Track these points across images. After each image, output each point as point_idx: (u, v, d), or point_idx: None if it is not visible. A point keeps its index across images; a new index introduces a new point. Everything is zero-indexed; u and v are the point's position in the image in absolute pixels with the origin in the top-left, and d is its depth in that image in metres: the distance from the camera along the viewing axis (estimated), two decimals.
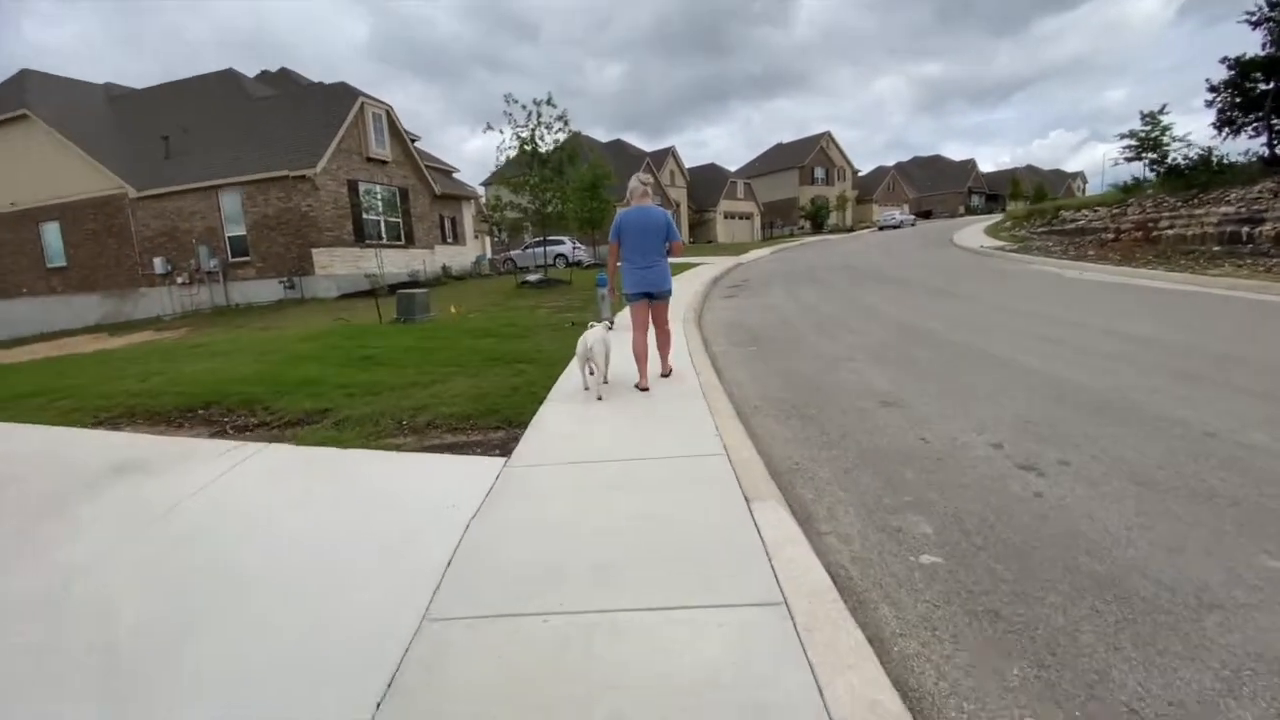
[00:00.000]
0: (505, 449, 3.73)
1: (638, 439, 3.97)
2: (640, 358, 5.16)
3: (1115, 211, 18.26)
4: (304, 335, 9.09)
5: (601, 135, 46.70)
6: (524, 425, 4.19)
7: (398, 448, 3.84)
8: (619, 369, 5.39)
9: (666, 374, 5.53)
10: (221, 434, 4.42)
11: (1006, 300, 9.63)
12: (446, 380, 5.41)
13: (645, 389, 5.13)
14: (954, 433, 3.98)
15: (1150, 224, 15.96)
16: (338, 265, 18.51)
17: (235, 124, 20.22)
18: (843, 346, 7.08)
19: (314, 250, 18.13)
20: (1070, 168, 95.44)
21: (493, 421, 4.24)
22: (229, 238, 19.13)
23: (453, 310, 9.88)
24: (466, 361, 6.13)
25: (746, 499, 2.89)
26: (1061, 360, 5.59)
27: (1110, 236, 17.10)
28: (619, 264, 5.21)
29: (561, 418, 4.47)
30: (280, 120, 19.61)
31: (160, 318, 19.85)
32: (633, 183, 5.22)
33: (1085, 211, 19.89)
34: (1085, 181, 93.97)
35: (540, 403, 4.71)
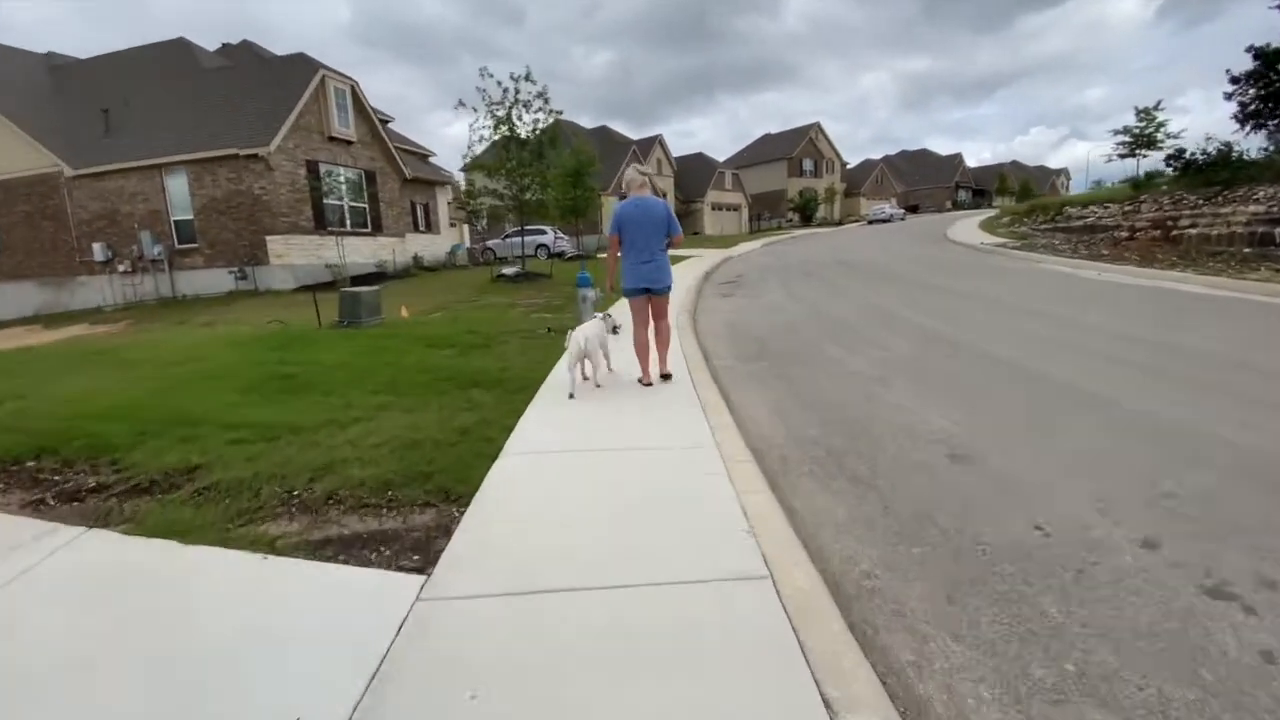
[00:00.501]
0: (429, 552, 2.47)
1: (629, 536, 2.66)
2: (642, 353, 5.16)
3: (1128, 208, 17.36)
4: (231, 339, 7.72)
5: (587, 122, 45.13)
6: (465, 500, 2.93)
7: (271, 542, 2.57)
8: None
9: (666, 376, 5.28)
10: (40, 503, 3.12)
11: (1032, 303, 8.55)
12: (375, 417, 4.13)
13: (649, 384, 5.15)
14: (1072, 512, 2.82)
15: (1169, 222, 15.04)
16: (295, 254, 16.96)
17: (183, 97, 18.48)
18: (868, 361, 5.93)
19: (268, 238, 16.56)
20: (1051, 164, 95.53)
21: (421, 493, 2.98)
22: (175, 222, 17.46)
23: (403, 313, 8.52)
24: (408, 386, 4.84)
25: (824, 700, 1.67)
26: (1153, 392, 4.46)
27: (1124, 235, 16.17)
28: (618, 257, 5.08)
29: (521, 483, 3.22)
30: (232, 94, 17.92)
31: (101, 309, 18.18)
32: (630, 173, 5.06)
33: (1094, 208, 18.98)
34: (1069, 178, 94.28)
35: (494, 457, 3.45)
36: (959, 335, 6.88)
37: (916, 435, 3.94)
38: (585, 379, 5.17)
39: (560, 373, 5.35)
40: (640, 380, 5.17)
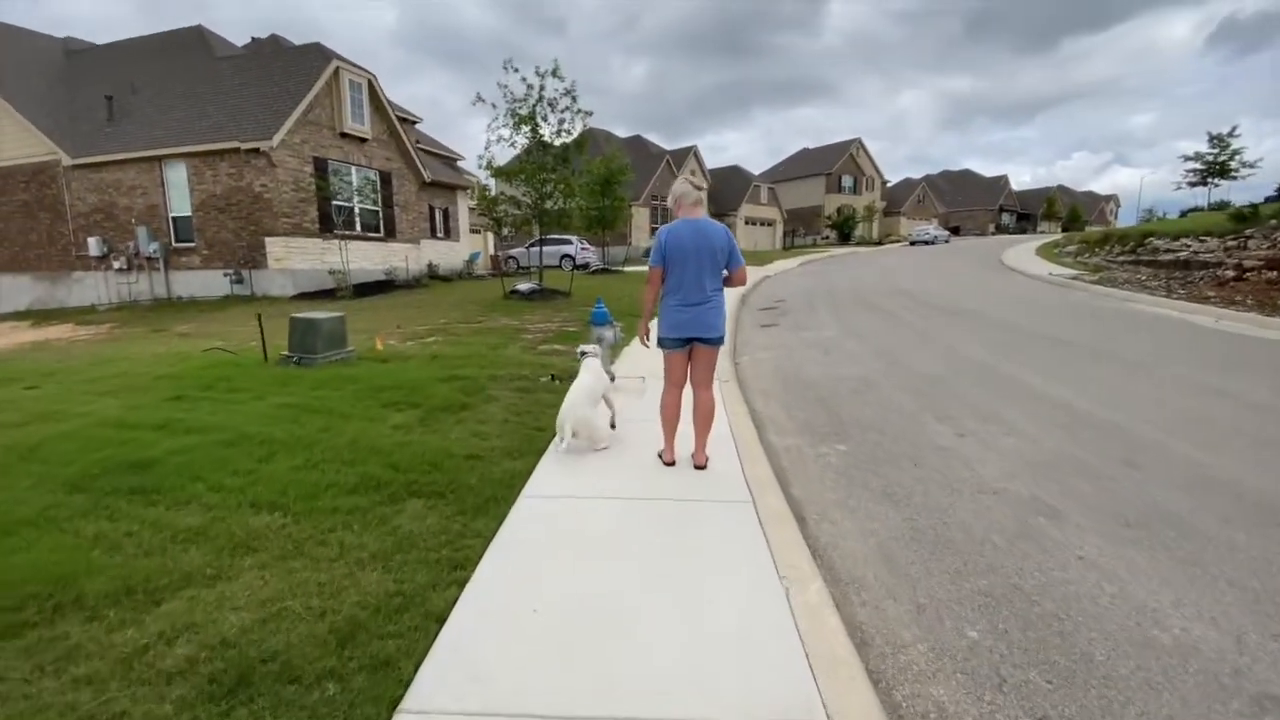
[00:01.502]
0: None
1: None
2: (670, 423, 3.81)
3: (1231, 243, 15.10)
4: (138, 375, 6.14)
5: (621, 132, 43.81)
6: None
7: None
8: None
9: (701, 466, 3.78)
10: None
11: (1171, 365, 6.57)
12: (228, 570, 2.42)
13: (671, 463, 3.82)
14: None
15: None
16: (296, 258, 15.58)
17: (190, 87, 17.35)
18: (998, 456, 4.08)
19: (268, 239, 15.21)
20: (1095, 189, 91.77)
21: None
22: (173, 219, 16.25)
23: (378, 346, 6.85)
24: (316, 492, 3.12)
25: None
26: None
27: (1230, 274, 13.93)
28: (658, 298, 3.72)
29: None
30: (240, 84, 16.70)
31: (95, 307, 17.06)
32: (681, 186, 3.71)
33: (1186, 240, 16.71)
34: (1119, 205, 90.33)
35: (407, 684, 1.74)
36: (1101, 412, 4.98)
37: (1158, 648, 2.09)
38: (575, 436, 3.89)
39: (546, 470, 3.63)
40: (662, 458, 3.86)
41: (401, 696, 1.84)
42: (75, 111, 18.08)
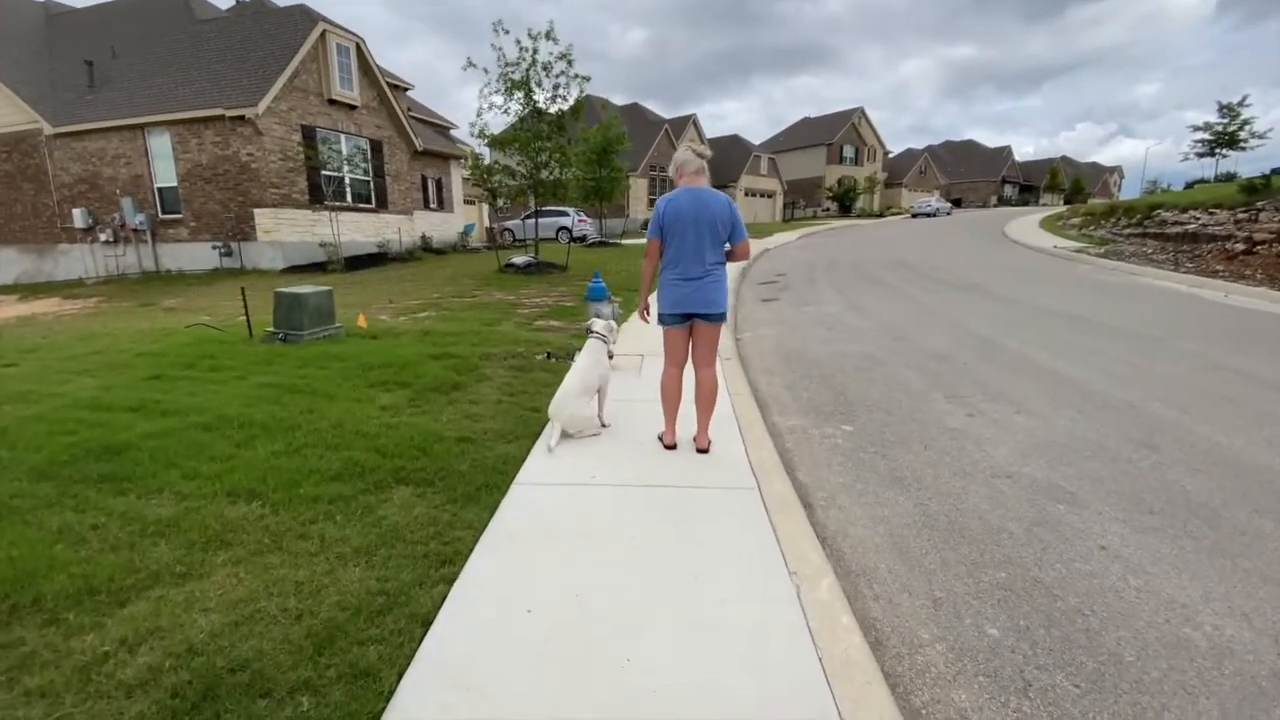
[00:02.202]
0: None
1: None
2: (672, 403, 3.63)
3: (1240, 216, 14.82)
4: (120, 351, 5.93)
5: (619, 100, 42.83)
6: None
7: None
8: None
9: (703, 449, 3.61)
10: None
11: (1179, 340, 6.40)
12: (199, 568, 2.26)
13: (672, 446, 3.64)
14: None
15: None
16: (285, 230, 15.22)
17: (172, 51, 16.75)
18: (1010, 436, 3.94)
19: (256, 210, 14.83)
20: (1099, 160, 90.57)
21: None
22: (158, 189, 15.82)
23: (361, 322, 6.61)
24: (298, 479, 2.94)
25: None
26: None
27: (1239, 247, 13.69)
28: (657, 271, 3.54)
29: None
30: (225, 48, 16.11)
31: (82, 280, 16.75)
32: (683, 154, 3.44)
33: (1195, 213, 16.41)
34: (1123, 177, 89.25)
35: (389, 695, 1.61)
36: (1115, 391, 4.82)
37: (1226, 670, 1.96)
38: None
39: (540, 456, 3.47)
40: (662, 440, 3.69)
41: (382, 710, 1.69)
42: (56, 78, 17.50)
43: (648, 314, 3.71)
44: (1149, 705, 1.89)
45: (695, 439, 3.65)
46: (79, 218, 16.33)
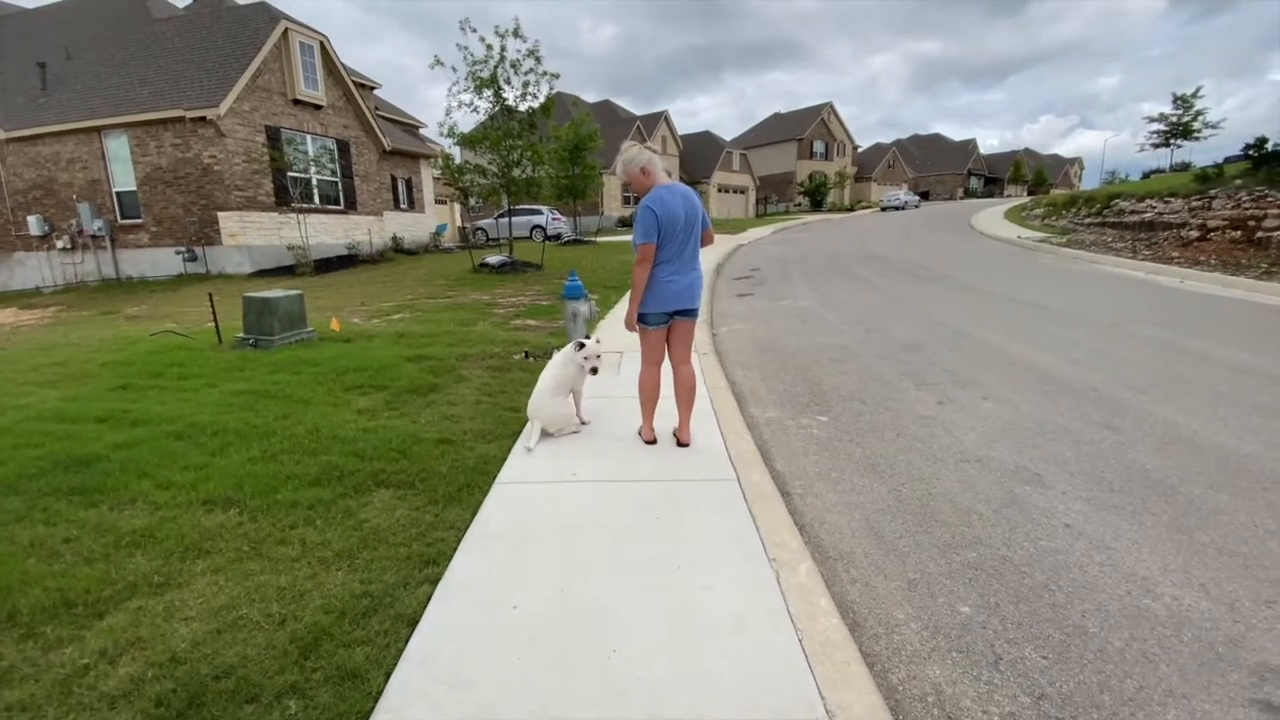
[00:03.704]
0: None
1: None
2: (650, 399, 3.69)
3: (1195, 204, 15.35)
4: (87, 361, 5.77)
5: (590, 96, 42.61)
6: None
7: None
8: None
9: (685, 443, 3.67)
10: None
11: (1136, 325, 6.64)
12: (176, 577, 2.23)
13: (652, 441, 3.71)
14: None
15: (1252, 221, 13.06)
16: (251, 234, 14.91)
17: (128, 52, 16.27)
18: (979, 422, 4.06)
19: (220, 214, 14.50)
20: (1060, 152, 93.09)
21: None
22: (117, 194, 15.37)
23: (334, 325, 6.52)
24: (274, 485, 2.89)
25: None
26: None
27: (1194, 235, 14.20)
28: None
29: None
30: (181, 48, 15.70)
31: (39, 290, 16.22)
32: (643, 154, 3.43)
33: (1151, 202, 16.96)
34: (1083, 168, 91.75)
35: (377, 696, 1.62)
36: (1078, 375, 5.00)
37: (1201, 644, 2.06)
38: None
39: (521, 455, 3.48)
40: (641, 436, 3.75)
41: (371, 710, 1.70)
42: (6, 81, 16.89)
43: (635, 324, 3.53)
44: (1112, 673, 1.99)
45: (677, 433, 3.69)
46: (34, 225, 15.82)
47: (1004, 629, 2.22)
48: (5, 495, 2.88)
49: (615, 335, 6.24)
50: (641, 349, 3.64)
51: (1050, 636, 2.16)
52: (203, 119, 13.88)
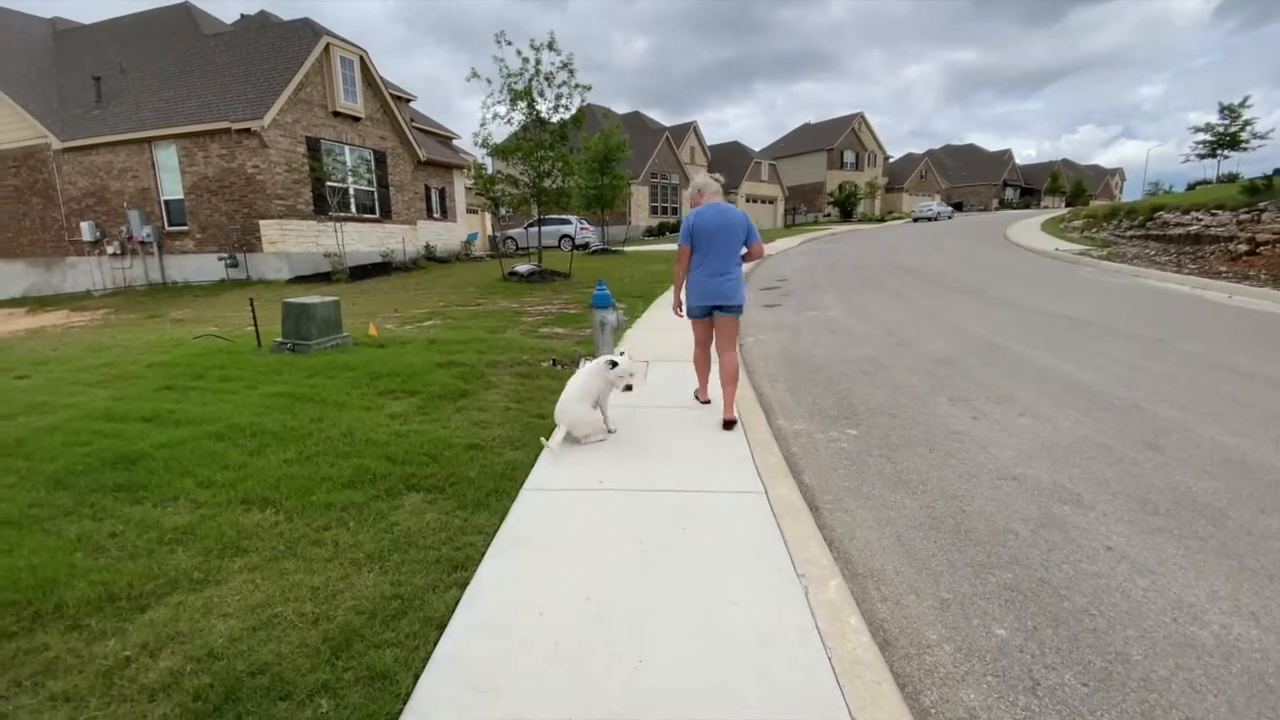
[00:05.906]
0: None
1: None
2: (703, 371, 4.66)
3: (1243, 217, 14.82)
4: (132, 363, 5.98)
5: (620, 108, 42.98)
6: None
7: None
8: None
9: (730, 422, 4.19)
10: None
11: (1183, 340, 6.41)
12: (216, 574, 2.30)
13: (706, 402, 4.66)
14: None
15: None
16: (291, 241, 15.34)
17: (178, 66, 16.95)
18: (1015, 438, 3.95)
19: (262, 222, 14.96)
20: (1101, 163, 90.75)
21: None
22: (165, 202, 15.98)
23: (371, 331, 6.68)
24: (309, 486, 2.97)
25: None
26: None
27: (1243, 249, 13.69)
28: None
29: None
30: (230, 63, 16.30)
31: (90, 293, 16.91)
32: (703, 179, 4.38)
33: (1197, 214, 16.42)
34: (1124, 179, 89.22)
35: (405, 697, 1.64)
36: (1119, 392, 4.84)
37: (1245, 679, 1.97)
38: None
39: (548, 462, 3.50)
40: (697, 396, 4.73)
41: (400, 712, 1.72)
42: (64, 94, 17.71)
43: (680, 309, 4.42)
44: (1157, 703, 1.91)
45: (725, 411, 4.21)
46: (87, 231, 16.50)
47: (1042, 653, 2.15)
48: (54, 490, 3.01)
49: (642, 345, 6.25)
50: (693, 335, 4.51)
51: (1091, 663, 2.09)
52: (247, 130, 14.37)
